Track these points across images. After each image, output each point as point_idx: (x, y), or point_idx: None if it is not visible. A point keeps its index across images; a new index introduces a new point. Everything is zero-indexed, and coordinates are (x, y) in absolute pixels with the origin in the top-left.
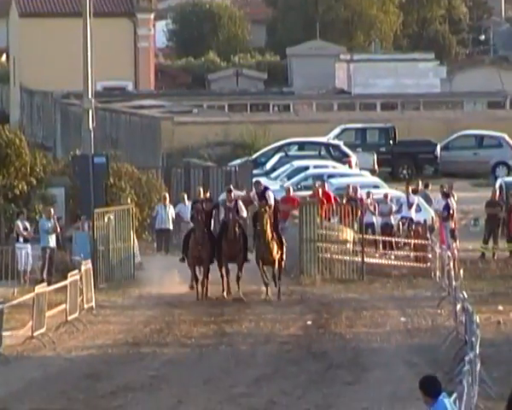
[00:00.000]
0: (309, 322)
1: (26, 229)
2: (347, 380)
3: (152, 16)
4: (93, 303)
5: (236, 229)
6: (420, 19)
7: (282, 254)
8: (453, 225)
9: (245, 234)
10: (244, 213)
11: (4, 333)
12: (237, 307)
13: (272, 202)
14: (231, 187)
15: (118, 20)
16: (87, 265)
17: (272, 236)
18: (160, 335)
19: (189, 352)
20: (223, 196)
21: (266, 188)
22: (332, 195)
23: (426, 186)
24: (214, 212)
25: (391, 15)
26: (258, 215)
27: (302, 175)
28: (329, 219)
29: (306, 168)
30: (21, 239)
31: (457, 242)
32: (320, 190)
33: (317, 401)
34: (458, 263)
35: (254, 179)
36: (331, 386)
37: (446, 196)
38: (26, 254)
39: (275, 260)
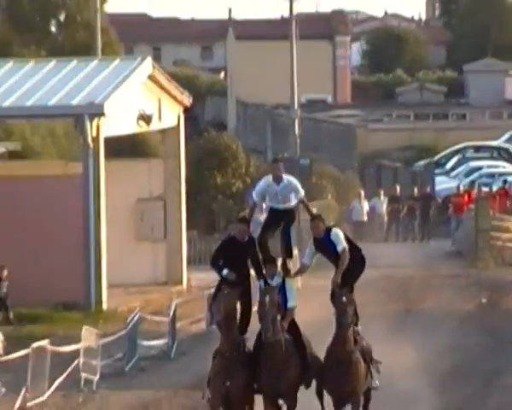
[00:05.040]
0: (483, 300)
1: None
2: None
3: (348, 38)
4: None
5: (281, 338)
6: None
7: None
8: None
9: (298, 342)
10: (293, 303)
11: None
12: (423, 285)
13: (344, 246)
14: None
15: (319, 43)
16: None
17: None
18: None
19: None
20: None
21: (329, 230)
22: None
23: None
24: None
25: None
26: (335, 306)
27: (477, 174)
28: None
29: (480, 168)
30: None
31: None
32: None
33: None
34: None
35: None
36: (503, 358)
37: None
38: None
39: (357, 392)
